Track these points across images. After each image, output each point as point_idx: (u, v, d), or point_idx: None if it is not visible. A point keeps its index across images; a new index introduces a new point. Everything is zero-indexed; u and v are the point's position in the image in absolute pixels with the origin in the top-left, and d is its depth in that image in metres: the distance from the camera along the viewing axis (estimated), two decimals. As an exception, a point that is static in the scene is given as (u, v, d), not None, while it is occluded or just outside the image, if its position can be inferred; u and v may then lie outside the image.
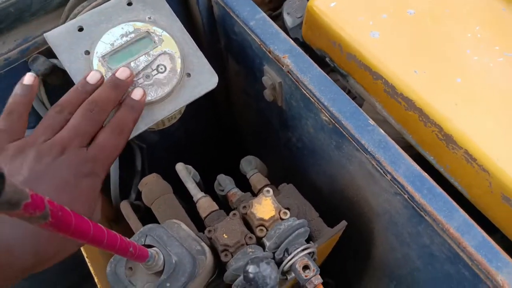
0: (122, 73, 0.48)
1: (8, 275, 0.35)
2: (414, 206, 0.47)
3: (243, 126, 0.97)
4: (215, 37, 0.74)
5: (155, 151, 0.89)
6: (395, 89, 0.51)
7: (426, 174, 0.47)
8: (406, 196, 0.47)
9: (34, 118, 0.69)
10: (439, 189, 0.46)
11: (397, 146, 0.49)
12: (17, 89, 0.47)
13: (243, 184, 0.73)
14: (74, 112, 0.45)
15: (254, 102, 0.78)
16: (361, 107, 0.58)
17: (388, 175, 0.48)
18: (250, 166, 0.72)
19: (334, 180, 0.66)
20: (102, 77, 0.50)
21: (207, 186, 0.73)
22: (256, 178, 0.68)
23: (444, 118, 0.48)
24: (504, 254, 0.42)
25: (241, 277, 0.47)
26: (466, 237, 0.44)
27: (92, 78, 0.48)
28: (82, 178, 0.41)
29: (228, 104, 0.94)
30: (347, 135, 0.52)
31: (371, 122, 0.50)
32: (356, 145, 0.51)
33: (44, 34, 0.55)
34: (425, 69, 0.51)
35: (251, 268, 0.30)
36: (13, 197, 0.19)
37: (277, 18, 1.12)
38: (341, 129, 0.52)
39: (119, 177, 0.73)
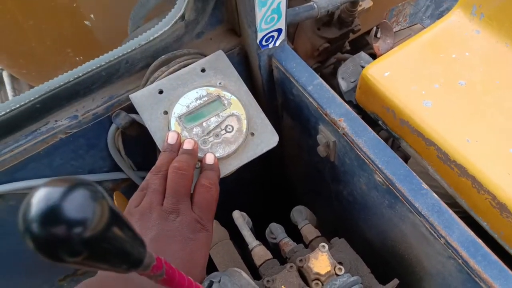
0: (188, 145, 0.57)
1: None
2: (469, 271, 0.48)
3: (293, 176, 1.01)
4: (273, 95, 0.80)
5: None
6: (448, 156, 0.54)
7: (480, 240, 0.49)
8: (460, 261, 0.49)
9: (110, 163, 0.78)
10: (494, 257, 0.47)
11: (450, 211, 0.51)
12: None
13: (292, 231, 0.76)
14: (167, 171, 0.53)
15: (307, 155, 0.82)
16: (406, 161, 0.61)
17: (442, 239, 0.50)
18: (301, 216, 0.76)
19: (385, 236, 0.68)
20: (178, 135, 0.57)
21: (256, 231, 0.77)
22: (308, 229, 0.71)
23: (497, 186, 0.50)
24: None
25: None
26: (522, 307, 0.44)
27: (172, 139, 0.56)
28: (198, 233, 0.50)
29: (281, 155, 0.99)
30: (400, 197, 0.55)
31: (425, 186, 0.53)
32: (409, 207, 0.54)
33: (130, 95, 0.64)
34: (477, 138, 0.54)
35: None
36: (148, 261, 0.25)
37: (326, 71, 1.19)
38: (395, 191, 0.55)
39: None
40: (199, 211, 0.51)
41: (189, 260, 0.48)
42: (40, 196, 0.18)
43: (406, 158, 0.80)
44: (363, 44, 1.49)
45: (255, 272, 0.65)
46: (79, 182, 0.19)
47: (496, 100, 0.57)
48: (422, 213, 0.52)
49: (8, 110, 0.61)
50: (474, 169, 0.52)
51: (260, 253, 0.65)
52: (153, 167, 0.54)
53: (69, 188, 0.18)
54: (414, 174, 0.55)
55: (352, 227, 0.78)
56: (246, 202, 0.95)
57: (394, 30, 0.90)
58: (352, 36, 1.12)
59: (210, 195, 0.53)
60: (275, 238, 0.73)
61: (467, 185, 0.53)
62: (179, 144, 0.57)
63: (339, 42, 1.13)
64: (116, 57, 0.65)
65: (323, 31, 1.09)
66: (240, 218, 0.71)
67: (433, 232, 0.51)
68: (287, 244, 0.69)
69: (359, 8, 0.98)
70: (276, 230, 0.73)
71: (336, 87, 0.81)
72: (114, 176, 0.79)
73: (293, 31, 1.16)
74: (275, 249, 0.73)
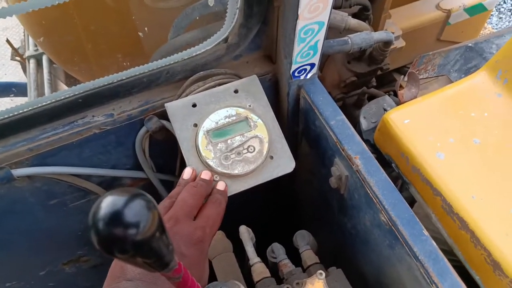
0: (206, 175, 0.62)
1: None
2: (455, 320, 0.51)
3: (302, 200, 1.05)
4: (295, 122, 0.84)
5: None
6: (452, 208, 0.57)
7: (470, 293, 0.52)
8: (448, 309, 0.52)
9: (133, 161, 0.83)
10: (481, 311, 0.50)
11: (446, 260, 0.54)
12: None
13: (292, 253, 0.80)
14: None
15: (318, 183, 0.86)
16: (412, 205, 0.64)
17: (433, 285, 0.53)
18: (304, 241, 0.79)
19: (381, 273, 0.71)
20: (194, 170, 0.63)
21: (258, 247, 0.81)
22: (307, 255, 0.75)
23: (494, 244, 0.53)
24: None
25: None
26: None
27: (187, 174, 0.62)
28: (191, 246, 0.51)
29: (293, 178, 1.03)
30: (401, 239, 0.58)
31: (425, 232, 0.56)
32: (408, 250, 0.57)
33: (165, 104, 0.69)
34: (482, 196, 0.57)
35: None
36: (173, 265, 0.29)
37: (349, 101, 1.22)
38: (397, 233, 0.58)
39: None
40: (204, 221, 0.54)
41: None
42: (108, 201, 0.23)
43: (412, 201, 0.83)
44: (389, 80, 1.52)
45: (251, 287, 0.69)
46: (138, 193, 0.23)
47: (507, 162, 0.60)
48: (419, 258, 0.55)
49: (53, 100, 0.66)
50: (474, 225, 0.55)
51: (259, 269, 0.69)
52: (168, 195, 0.58)
53: (130, 197, 0.23)
54: (417, 219, 0.58)
55: (350, 258, 0.81)
56: (253, 217, 0.98)
57: (421, 77, 0.93)
58: (379, 72, 1.16)
59: (220, 209, 0.56)
60: (275, 258, 0.77)
61: (465, 238, 0.56)
62: (194, 178, 0.62)
63: (367, 77, 1.17)
64: (159, 66, 0.71)
65: (353, 65, 1.14)
66: (246, 233, 0.75)
67: (426, 278, 0.54)
68: (286, 265, 0.72)
69: (391, 47, 1.02)
70: (277, 250, 0.77)
71: (356, 119, 0.85)
72: (135, 175, 0.84)
73: (323, 60, 1.20)
74: (273, 268, 0.76)
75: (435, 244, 0.56)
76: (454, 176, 0.59)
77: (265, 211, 1.15)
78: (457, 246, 0.59)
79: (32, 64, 1.40)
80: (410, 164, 0.63)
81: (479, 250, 0.55)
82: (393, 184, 0.62)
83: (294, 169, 1.02)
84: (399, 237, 0.58)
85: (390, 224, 0.59)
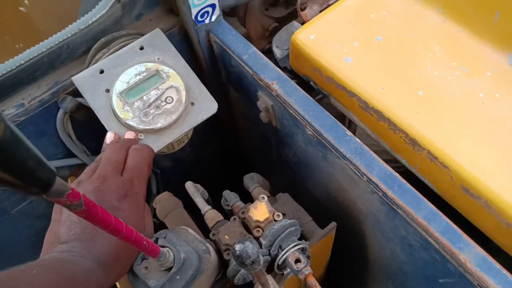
0: (129, 136, 0.62)
1: None
2: (388, 202, 0.54)
3: (247, 147, 1.06)
4: (216, 71, 0.84)
5: (170, 175, 0.99)
6: (367, 104, 0.59)
7: (397, 174, 0.54)
8: (380, 194, 0.54)
9: (63, 149, 0.81)
10: (408, 186, 0.53)
11: (371, 152, 0.57)
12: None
13: (249, 200, 0.81)
14: None
15: (254, 125, 0.87)
16: (355, 133, 0.66)
17: (364, 176, 0.56)
18: (252, 181, 0.80)
19: (327, 189, 0.73)
20: (116, 134, 0.62)
21: (217, 204, 0.81)
22: (257, 191, 0.76)
23: (408, 124, 0.56)
24: (465, 237, 0.49)
25: (242, 271, 0.55)
26: (432, 224, 0.50)
27: (109, 138, 0.61)
28: (123, 199, 0.50)
29: (234, 129, 1.03)
30: (329, 146, 0.60)
31: (348, 133, 0.59)
32: (336, 153, 0.59)
33: (72, 78, 0.67)
34: (391, 86, 0.59)
35: (237, 247, 0.38)
36: (60, 188, 0.29)
37: (270, 51, 1.23)
38: (324, 141, 0.60)
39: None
40: (130, 173, 0.53)
41: None
42: None
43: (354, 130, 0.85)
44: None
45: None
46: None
47: (408, 51, 0.62)
48: (347, 156, 0.57)
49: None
50: (389, 112, 0.57)
51: (211, 216, 0.69)
52: (94, 160, 0.57)
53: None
54: (340, 123, 0.60)
55: (301, 187, 0.84)
56: (208, 179, 0.99)
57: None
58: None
59: (141, 156, 0.55)
60: (228, 205, 0.77)
61: (384, 127, 0.59)
62: (117, 140, 0.60)
63: (288, 20, 1.18)
64: (56, 42, 0.68)
65: (271, 11, 1.13)
66: (192, 187, 0.75)
67: (357, 172, 0.57)
68: (239, 206, 0.73)
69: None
70: (229, 196, 0.77)
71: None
72: (69, 162, 0.81)
73: (243, 14, 1.20)
74: (231, 216, 0.77)
75: (359, 140, 0.58)
76: (363, 75, 0.61)
77: (218, 169, 1.16)
78: (381, 138, 0.62)
79: None
80: (323, 76, 0.65)
81: (398, 134, 0.57)
82: (312, 99, 0.63)
83: (232, 120, 1.02)
84: (326, 144, 0.60)
85: (317, 135, 0.61)
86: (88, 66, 0.70)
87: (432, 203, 0.52)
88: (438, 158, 0.53)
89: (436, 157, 0.53)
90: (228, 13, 1.10)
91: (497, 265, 0.47)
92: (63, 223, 0.47)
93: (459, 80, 0.58)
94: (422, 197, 0.52)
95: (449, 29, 0.63)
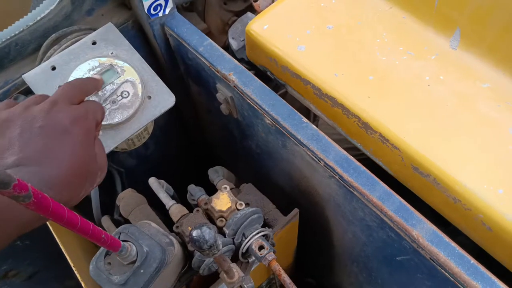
0: None
1: (9, 230, 0.39)
2: (345, 184, 0.56)
3: (212, 141, 1.06)
4: (175, 64, 0.84)
5: (136, 174, 0.97)
6: (321, 90, 0.61)
7: (352, 157, 0.56)
8: (337, 177, 0.56)
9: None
10: (363, 168, 0.55)
11: (327, 137, 0.58)
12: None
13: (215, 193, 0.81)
14: None
15: (216, 118, 0.87)
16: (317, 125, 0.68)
17: (321, 161, 0.57)
18: (217, 174, 0.80)
19: (290, 177, 0.75)
20: None
21: (185, 199, 0.81)
22: (222, 183, 0.76)
23: (360, 109, 0.58)
24: (417, 214, 0.51)
25: (207, 261, 0.55)
26: (386, 203, 0.52)
27: None
28: (74, 123, 0.46)
29: (196, 123, 1.03)
30: (286, 134, 0.61)
31: (305, 120, 0.60)
32: (294, 140, 0.60)
33: (23, 76, 0.64)
34: (343, 72, 0.61)
35: (194, 232, 0.38)
36: (5, 179, 0.28)
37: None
38: (282, 129, 0.61)
39: (101, 202, 0.80)
40: (84, 106, 0.49)
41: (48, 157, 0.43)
42: None
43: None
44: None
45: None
46: None
47: (358, 38, 0.64)
48: (304, 142, 0.59)
49: None
50: (342, 97, 0.59)
51: (176, 210, 0.69)
52: None
53: None
54: (296, 111, 0.61)
55: (266, 178, 0.85)
56: (174, 175, 0.98)
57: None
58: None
59: (96, 104, 0.52)
60: (194, 199, 0.77)
61: (339, 113, 0.60)
62: None
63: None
64: (3, 40, 0.65)
65: (230, 5, 1.13)
66: (155, 183, 0.74)
67: (314, 158, 0.58)
68: (204, 200, 0.73)
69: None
70: (194, 191, 0.77)
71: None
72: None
73: (202, 9, 1.19)
74: (197, 210, 0.77)
75: (315, 127, 0.60)
76: (316, 62, 0.63)
77: (183, 165, 1.15)
78: (336, 124, 0.63)
79: None
80: (279, 66, 0.66)
81: (351, 119, 0.59)
82: (268, 88, 0.64)
83: (196, 115, 1.02)
84: (284, 132, 0.62)
85: (275, 124, 0.62)
86: (39, 63, 0.68)
87: (397, 188, 0.54)
88: (389, 140, 0.55)
89: (387, 139, 0.56)
90: (187, 8, 1.09)
91: (446, 238, 0.50)
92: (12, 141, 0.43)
93: (406, 64, 0.61)
94: (376, 178, 0.54)
95: (395, 16, 0.66)
